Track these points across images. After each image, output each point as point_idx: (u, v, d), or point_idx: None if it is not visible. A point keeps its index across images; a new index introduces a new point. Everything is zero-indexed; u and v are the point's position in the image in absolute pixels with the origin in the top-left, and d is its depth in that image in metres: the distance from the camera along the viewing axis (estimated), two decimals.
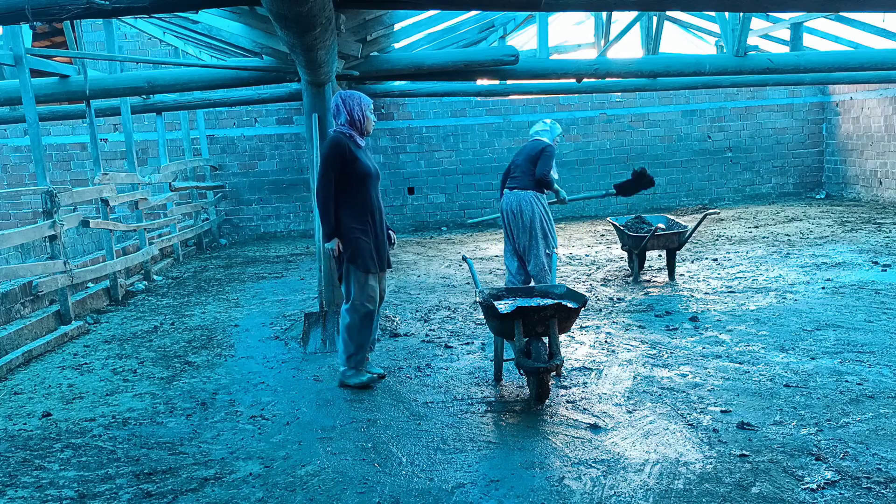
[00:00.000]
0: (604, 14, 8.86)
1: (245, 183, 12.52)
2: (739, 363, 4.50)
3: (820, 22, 9.92)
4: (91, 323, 6.52)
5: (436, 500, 2.96)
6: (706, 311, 5.83)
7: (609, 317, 5.82)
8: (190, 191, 10.92)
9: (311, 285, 7.75)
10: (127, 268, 8.05)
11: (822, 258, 7.70)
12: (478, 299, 4.38)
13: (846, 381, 4.06)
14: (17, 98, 6.68)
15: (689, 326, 5.41)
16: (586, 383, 4.28)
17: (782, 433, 3.44)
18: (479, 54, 7.22)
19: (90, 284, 7.22)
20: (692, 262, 8.02)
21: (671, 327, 5.40)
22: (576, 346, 5.04)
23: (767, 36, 11.06)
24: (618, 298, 6.45)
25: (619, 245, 7.91)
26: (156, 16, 6.38)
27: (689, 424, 3.60)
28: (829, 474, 3.01)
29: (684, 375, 4.33)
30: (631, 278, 7.21)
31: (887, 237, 8.72)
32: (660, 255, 8.23)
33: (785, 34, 10.38)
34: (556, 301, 4.16)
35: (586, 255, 8.88)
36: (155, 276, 8.70)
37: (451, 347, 5.18)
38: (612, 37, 8.69)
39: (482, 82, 9.63)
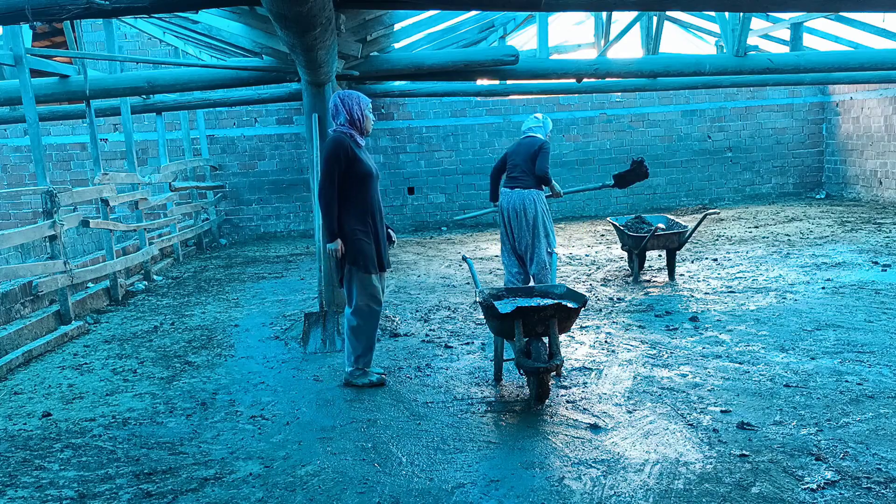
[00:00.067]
0: (604, 14, 8.86)
1: (245, 183, 12.52)
2: (739, 363, 4.50)
3: (820, 22, 9.92)
4: (91, 323, 6.53)
5: (436, 500, 2.96)
6: (706, 311, 5.84)
7: (609, 317, 5.82)
8: (190, 191, 10.92)
9: (311, 285, 7.76)
10: (127, 268, 8.05)
11: (822, 258, 7.70)
12: (478, 299, 4.38)
13: (846, 381, 4.06)
14: (17, 98, 6.68)
15: (689, 326, 5.41)
16: (586, 383, 4.28)
17: (782, 433, 3.44)
18: (479, 54, 7.22)
19: (90, 284, 7.22)
20: (692, 262, 8.02)
21: (671, 327, 5.40)
22: (576, 346, 5.04)
23: (767, 36, 11.06)
24: (618, 298, 6.45)
25: (619, 245, 7.91)
26: (156, 16, 6.39)
27: (689, 424, 3.61)
28: (829, 474, 3.01)
29: (684, 375, 4.34)
30: (631, 278, 7.21)
31: (887, 237, 8.72)
32: (660, 255, 8.23)
33: (785, 34, 10.38)
34: (556, 301, 4.16)
35: (586, 255, 8.87)
36: (155, 276, 8.70)
37: (451, 347, 5.18)
38: (612, 37, 8.69)
39: (482, 82, 9.63)
